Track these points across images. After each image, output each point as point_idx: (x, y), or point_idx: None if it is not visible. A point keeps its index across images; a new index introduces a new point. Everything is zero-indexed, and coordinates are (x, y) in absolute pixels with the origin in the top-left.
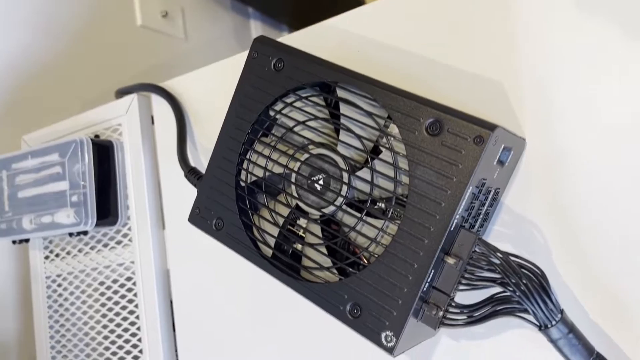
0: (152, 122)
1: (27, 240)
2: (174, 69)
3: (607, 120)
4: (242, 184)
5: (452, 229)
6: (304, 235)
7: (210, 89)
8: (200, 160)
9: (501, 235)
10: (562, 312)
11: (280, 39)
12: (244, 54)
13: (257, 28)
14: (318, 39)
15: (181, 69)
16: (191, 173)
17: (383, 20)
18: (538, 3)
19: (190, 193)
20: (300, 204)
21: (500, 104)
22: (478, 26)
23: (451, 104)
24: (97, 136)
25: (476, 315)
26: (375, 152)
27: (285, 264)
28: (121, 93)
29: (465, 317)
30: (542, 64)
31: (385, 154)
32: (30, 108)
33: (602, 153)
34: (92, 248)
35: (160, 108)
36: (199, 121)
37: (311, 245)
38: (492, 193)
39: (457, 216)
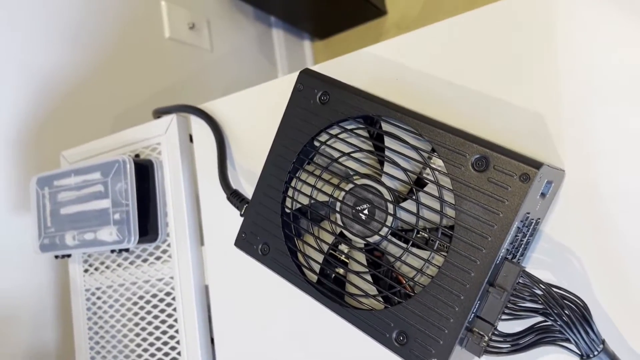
0: (191, 141)
1: (69, 255)
2: (202, 79)
3: None
4: (288, 210)
5: (497, 262)
6: (346, 260)
7: (249, 113)
8: (240, 180)
9: (540, 262)
10: (603, 342)
11: (317, 67)
12: (283, 79)
13: (279, 37)
14: (355, 66)
15: (208, 80)
16: (233, 196)
17: (421, 48)
18: (581, 37)
19: (228, 210)
20: (345, 232)
21: (539, 133)
22: (519, 58)
23: (490, 133)
24: (137, 155)
25: (521, 343)
26: (418, 183)
27: (330, 289)
28: (159, 113)
29: (508, 345)
30: (583, 95)
31: (430, 187)
32: (64, 122)
33: None
34: (131, 263)
35: (199, 128)
36: (237, 143)
37: (357, 273)
38: (533, 224)
39: (503, 250)
